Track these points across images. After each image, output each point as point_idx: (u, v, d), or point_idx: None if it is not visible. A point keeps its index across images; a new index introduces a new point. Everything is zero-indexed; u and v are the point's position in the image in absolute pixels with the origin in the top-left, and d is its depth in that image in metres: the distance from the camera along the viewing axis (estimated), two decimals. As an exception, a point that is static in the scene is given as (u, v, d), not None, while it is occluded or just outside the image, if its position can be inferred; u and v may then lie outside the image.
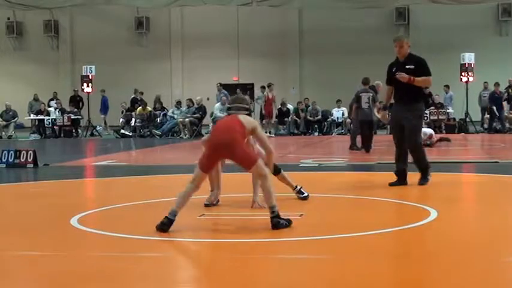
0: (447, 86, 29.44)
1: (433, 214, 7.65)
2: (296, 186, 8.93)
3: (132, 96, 30.53)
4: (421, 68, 10.19)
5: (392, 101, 10.49)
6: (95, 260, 5.96)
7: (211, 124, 27.49)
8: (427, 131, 19.64)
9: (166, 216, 6.89)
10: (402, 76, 9.99)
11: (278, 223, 6.92)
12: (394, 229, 6.91)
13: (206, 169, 7.17)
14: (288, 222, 6.99)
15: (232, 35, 34.47)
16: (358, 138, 18.06)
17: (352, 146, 18.08)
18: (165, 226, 6.84)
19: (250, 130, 7.26)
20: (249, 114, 7.51)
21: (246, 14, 33.69)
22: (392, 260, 5.73)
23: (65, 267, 5.66)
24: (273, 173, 8.04)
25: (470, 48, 28.42)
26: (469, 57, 27.56)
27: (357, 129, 18.20)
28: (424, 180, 10.23)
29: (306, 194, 8.90)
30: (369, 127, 17.85)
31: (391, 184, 10.15)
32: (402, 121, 10.12)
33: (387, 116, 11.37)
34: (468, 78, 27.59)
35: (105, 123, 31.18)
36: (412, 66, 10.10)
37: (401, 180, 10.19)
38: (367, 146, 17.54)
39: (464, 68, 27.60)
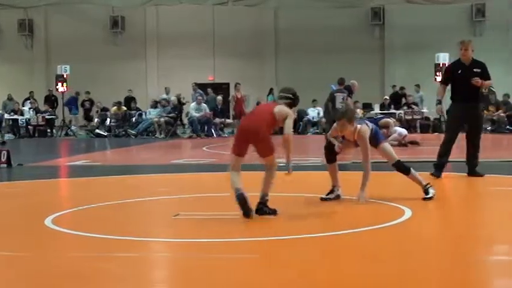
0: (418, 86, 29.61)
1: (408, 213, 7.70)
2: (426, 185, 8.80)
3: (126, 95, 30.49)
4: (486, 71, 11.16)
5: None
6: (70, 260, 5.94)
7: (187, 124, 27.49)
8: (402, 131, 19.79)
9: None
10: (477, 81, 10.89)
11: (263, 210, 7.60)
12: (367, 228, 6.93)
13: (238, 153, 7.68)
14: (273, 212, 7.63)
15: (208, 35, 34.41)
16: None
17: None
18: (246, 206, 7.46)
19: (281, 119, 7.71)
20: (292, 104, 7.95)
21: (221, 13, 33.64)
22: (361, 260, 5.75)
23: (41, 268, 5.64)
24: (404, 173, 8.76)
25: (445, 48, 28.59)
26: (443, 57, 27.72)
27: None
28: (476, 172, 11.11)
29: (430, 195, 8.71)
30: None
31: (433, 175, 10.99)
32: (464, 120, 11.12)
33: (442, 110, 12.16)
34: (443, 78, 27.76)
35: (69, 122, 30.73)
36: (478, 70, 11.04)
37: (440, 172, 11.11)
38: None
39: (439, 68, 27.73)
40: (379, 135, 8.93)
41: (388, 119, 20.42)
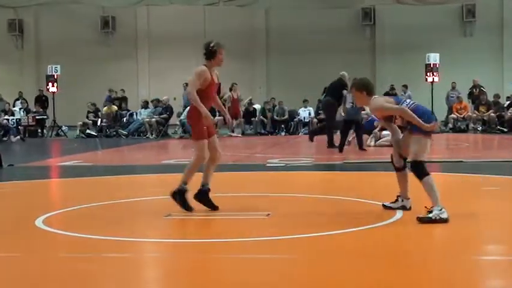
0: (405, 86, 29.60)
1: (399, 214, 7.70)
2: (402, 198, 7.92)
3: (108, 95, 30.36)
4: None
5: None
6: (61, 261, 5.92)
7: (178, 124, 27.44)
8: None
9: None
10: None
11: (176, 195, 7.82)
12: (358, 229, 6.92)
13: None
14: (186, 208, 7.79)
15: (199, 35, 34.31)
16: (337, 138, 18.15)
17: (330, 144, 18.12)
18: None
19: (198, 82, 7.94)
20: (207, 57, 8.21)
21: (213, 13, 33.64)
22: (355, 259, 5.75)
23: (31, 268, 5.62)
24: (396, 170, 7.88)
25: (435, 49, 28.66)
26: (434, 58, 27.78)
27: (335, 130, 18.30)
28: None
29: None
30: (350, 126, 17.97)
31: None
32: None
33: None
34: (433, 79, 27.83)
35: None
36: None
37: None
38: (341, 146, 17.40)
39: (430, 68, 27.82)
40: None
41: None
